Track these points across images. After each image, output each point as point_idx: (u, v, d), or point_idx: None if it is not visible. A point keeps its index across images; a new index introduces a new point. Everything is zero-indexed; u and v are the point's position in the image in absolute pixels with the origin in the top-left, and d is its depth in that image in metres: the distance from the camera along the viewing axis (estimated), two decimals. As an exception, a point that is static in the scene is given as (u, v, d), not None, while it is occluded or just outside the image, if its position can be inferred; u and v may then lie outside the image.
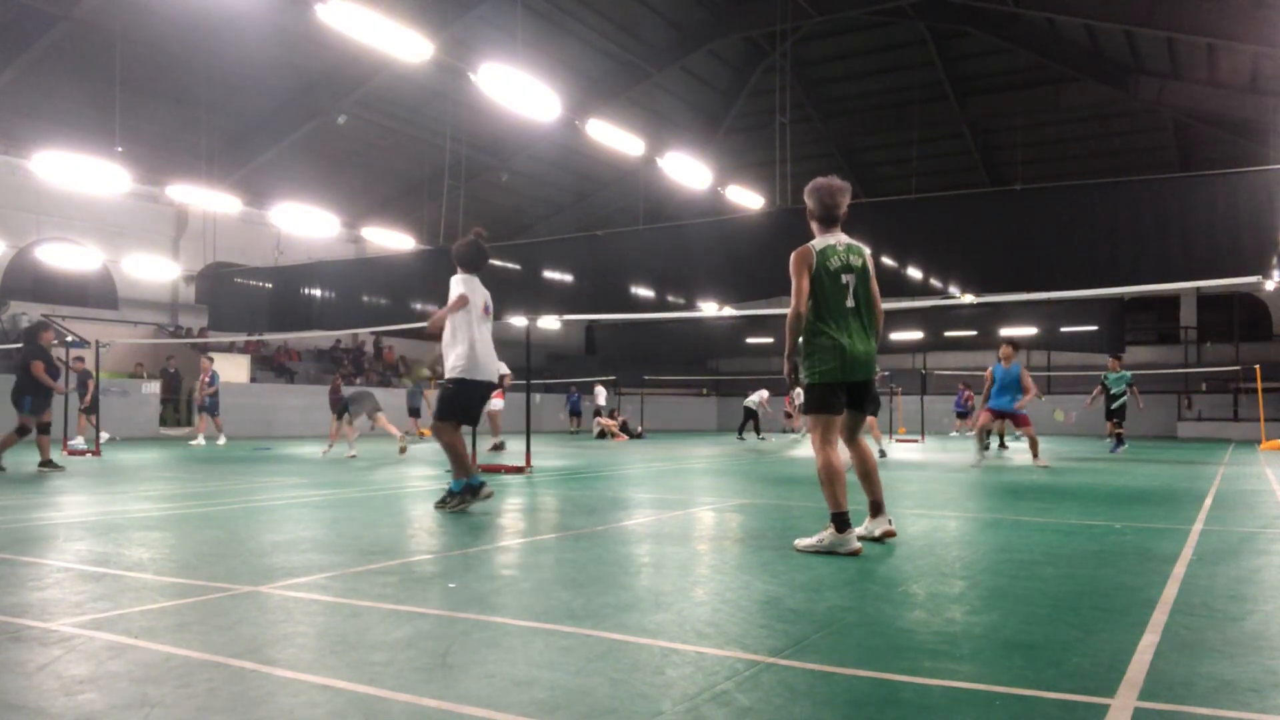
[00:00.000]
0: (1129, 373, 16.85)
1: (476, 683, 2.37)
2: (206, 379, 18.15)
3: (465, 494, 6.25)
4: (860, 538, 4.69)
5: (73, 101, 21.09)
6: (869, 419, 11.60)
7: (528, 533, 5.19)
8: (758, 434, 24.23)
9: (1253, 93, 22.08)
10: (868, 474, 4.88)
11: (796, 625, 3.01)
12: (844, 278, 4.69)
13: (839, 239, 4.81)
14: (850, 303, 4.69)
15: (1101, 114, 27.18)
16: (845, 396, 4.72)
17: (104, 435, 17.88)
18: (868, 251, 4.87)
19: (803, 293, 4.65)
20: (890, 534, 4.90)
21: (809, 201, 4.88)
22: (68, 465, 10.88)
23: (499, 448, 13.96)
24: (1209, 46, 20.77)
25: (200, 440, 17.69)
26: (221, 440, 17.96)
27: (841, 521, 4.50)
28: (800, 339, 4.74)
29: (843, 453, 4.84)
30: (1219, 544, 4.93)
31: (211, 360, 18.79)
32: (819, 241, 4.79)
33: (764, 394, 24.46)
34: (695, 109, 29.59)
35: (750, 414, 23.98)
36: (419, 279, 19.63)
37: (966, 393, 27.68)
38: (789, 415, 32.40)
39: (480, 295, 6.59)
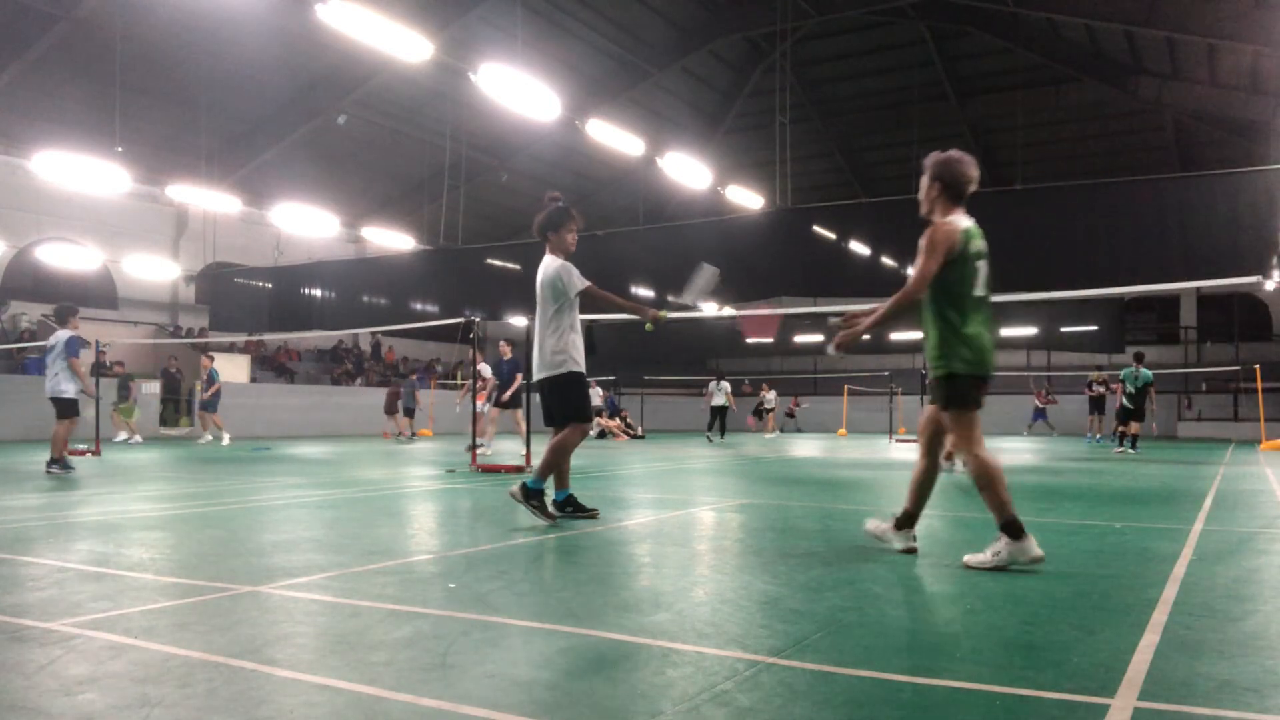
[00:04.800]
0: (1150, 374, 16.68)
1: (476, 683, 2.37)
2: (204, 377, 18.18)
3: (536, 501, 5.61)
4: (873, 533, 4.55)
5: (73, 101, 21.10)
6: None
7: (528, 533, 5.19)
8: (721, 434, 23.53)
9: (1253, 93, 22.09)
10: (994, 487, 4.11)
11: (796, 625, 3.01)
12: (978, 263, 4.27)
13: (970, 221, 4.30)
14: (980, 291, 4.29)
15: (1101, 114, 27.20)
16: (978, 390, 4.25)
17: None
18: None
19: (929, 276, 4.10)
20: (912, 550, 4.46)
21: (940, 174, 4.31)
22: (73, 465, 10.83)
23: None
24: (1209, 46, 20.78)
25: (208, 438, 17.71)
26: (225, 439, 17.87)
27: (1015, 529, 3.98)
28: (923, 326, 4.28)
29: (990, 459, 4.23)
30: (1219, 544, 4.93)
31: (212, 359, 18.79)
32: (963, 219, 4.24)
33: (726, 386, 23.96)
34: (695, 109, 29.59)
35: (718, 412, 23.59)
36: (419, 279, 19.66)
37: (1039, 392, 27.74)
38: (758, 415, 32.44)
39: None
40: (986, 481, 4.07)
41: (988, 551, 4.05)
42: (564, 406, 5.60)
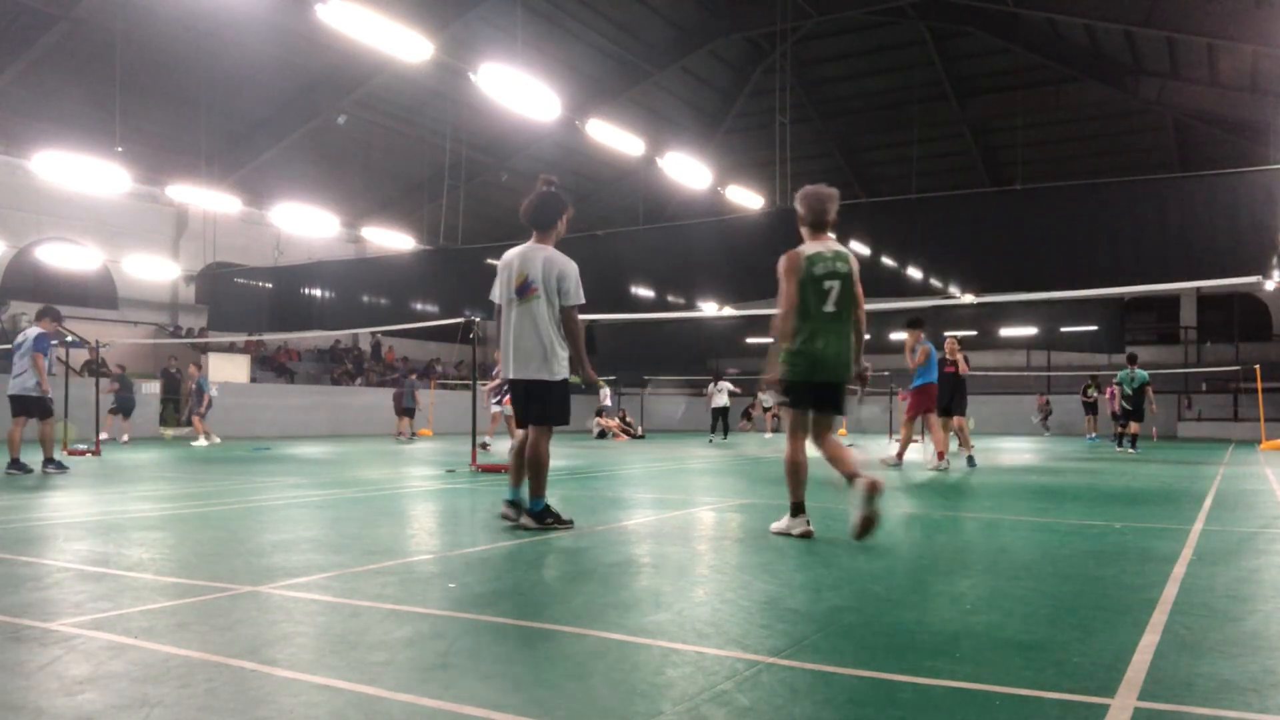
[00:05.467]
0: (1145, 373, 16.81)
1: (476, 683, 2.37)
2: (193, 385, 18.18)
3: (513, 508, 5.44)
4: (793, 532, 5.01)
5: (73, 101, 21.11)
6: (957, 420, 11.58)
7: (527, 533, 5.19)
8: (724, 434, 23.49)
9: (1253, 93, 22.09)
10: (836, 459, 4.92)
11: (796, 625, 3.01)
12: (827, 283, 4.93)
13: (827, 245, 5.04)
14: (830, 308, 4.92)
15: (1101, 114, 27.19)
16: (812, 395, 4.98)
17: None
18: (853, 258, 5.08)
19: (792, 296, 4.90)
20: (808, 534, 4.93)
21: (799, 208, 5.16)
22: (68, 464, 10.83)
23: (484, 447, 13.77)
24: (1209, 46, 20.78)
25: (201, 441, 17.72)
26: (201, 441, 17.84)
27: (797, 509, 5.03)
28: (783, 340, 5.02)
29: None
30: (1219, 544, 4.93)
31: (199, 368, 18.81)
32: (809, 247, 5.04)
33: (725, 386, 23.89)
34: (695, 109, 29.60)
35: (720, 413, 23.58)
36: (419, 279, 19.66)
37: (1042, 399, 28.00)
38: (747, 417, 32.50)
39: (507, 271, 5.38)
40: (789, 469, 5.04)
41: (781, 521, 5.11)
42: (558, 411, 5.34)
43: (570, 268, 5.30)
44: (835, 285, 4.93)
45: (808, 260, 4.93)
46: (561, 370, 5.30)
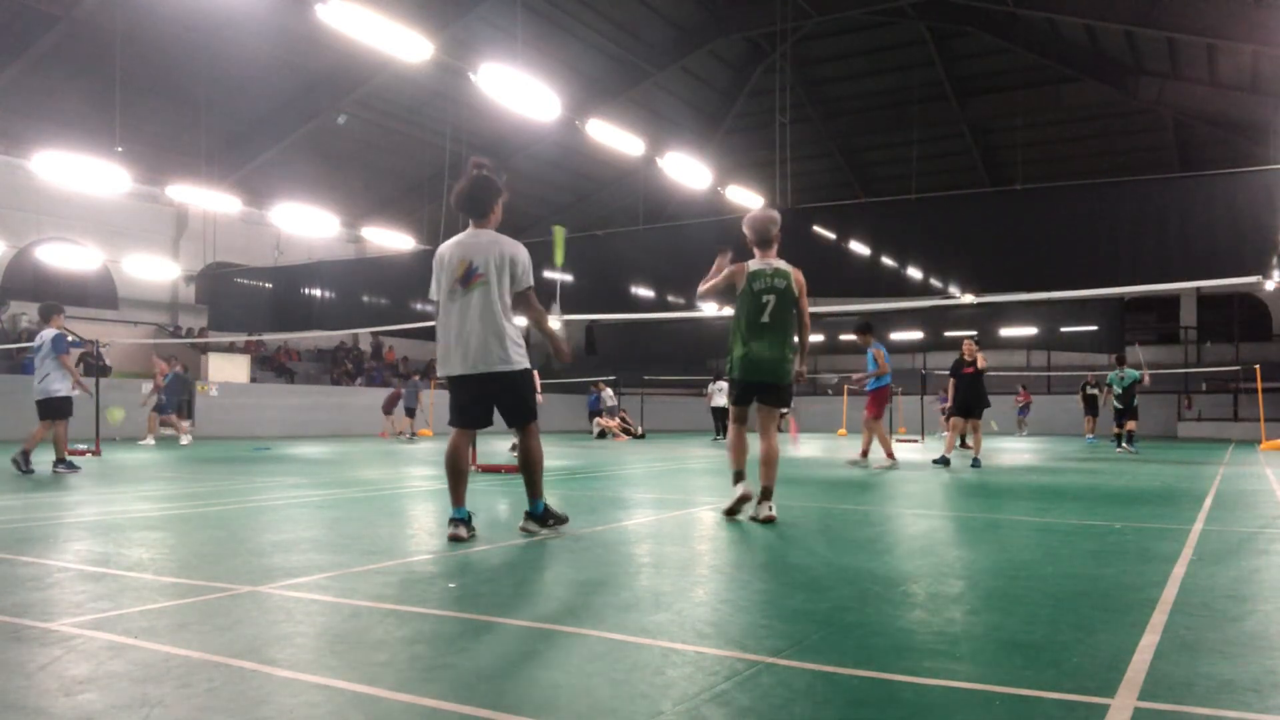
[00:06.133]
0: (1136, 371, 17.01)
1: (477, 683, 2.37)
2: (161, 380, 18.16)
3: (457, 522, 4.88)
4: (750, 518, 5.63)
5: (73, 101, 21.11)
6: (972, 421, 11.89)
7: (527, 534, 5.18)
8: (723, 434, 23.51)
9: (1253, 93, 22.09)
10: (767, 462, 5.66)
11: (796, 625, 3.01)
12: (765, 297, 5.70)
13: (770, 263, 5.78)
14: (765, 319, 5.68)
15: (1101, 114, 27.19)
16: (752, 392, 5.75)
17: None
18: (795, 276, 5.76)
19: (708, 282, 5.90)
20: (770, 519, 5.50)
21: (746, 230, 5.87)
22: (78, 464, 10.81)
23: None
24: (1209, 46, 20.78)
25: (186, 439, 17.73)
26: (186, 439, 17.84)
27: (737, 479, 5.67)
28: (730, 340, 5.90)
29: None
30: (1219, 544, 4.93)
31: (168, 363, 18.82)
32: (754, 263, 5.80)
33: (724, 385, 23.86)
34: (695, 109, 29.59)
35: (719, 413, 23.57)
36: (419, 279, 19.61)
37: (1024, 393, 28.07)
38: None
39: (445, 264, 4.95)
40: (731, 446, 5.77)
41: (765, 507, 5.64)
42: (529, 408, 5.03)
43: (521, 251, 4.92)
44: (771, 299, 5.67)
45: (750, 276, 5.71)
46: (525, 358, 4.94)
